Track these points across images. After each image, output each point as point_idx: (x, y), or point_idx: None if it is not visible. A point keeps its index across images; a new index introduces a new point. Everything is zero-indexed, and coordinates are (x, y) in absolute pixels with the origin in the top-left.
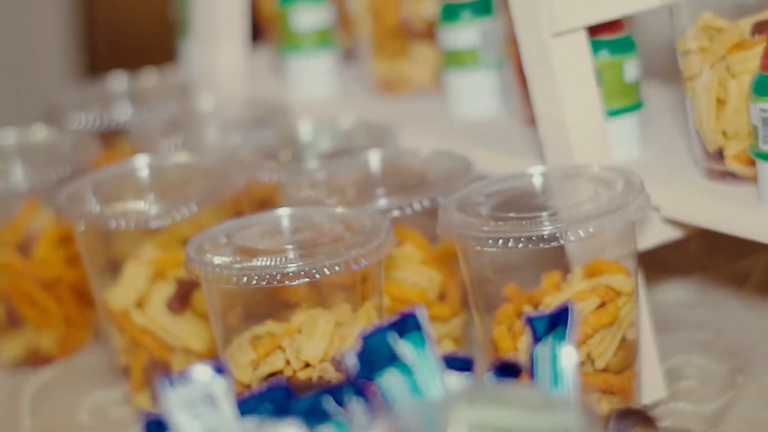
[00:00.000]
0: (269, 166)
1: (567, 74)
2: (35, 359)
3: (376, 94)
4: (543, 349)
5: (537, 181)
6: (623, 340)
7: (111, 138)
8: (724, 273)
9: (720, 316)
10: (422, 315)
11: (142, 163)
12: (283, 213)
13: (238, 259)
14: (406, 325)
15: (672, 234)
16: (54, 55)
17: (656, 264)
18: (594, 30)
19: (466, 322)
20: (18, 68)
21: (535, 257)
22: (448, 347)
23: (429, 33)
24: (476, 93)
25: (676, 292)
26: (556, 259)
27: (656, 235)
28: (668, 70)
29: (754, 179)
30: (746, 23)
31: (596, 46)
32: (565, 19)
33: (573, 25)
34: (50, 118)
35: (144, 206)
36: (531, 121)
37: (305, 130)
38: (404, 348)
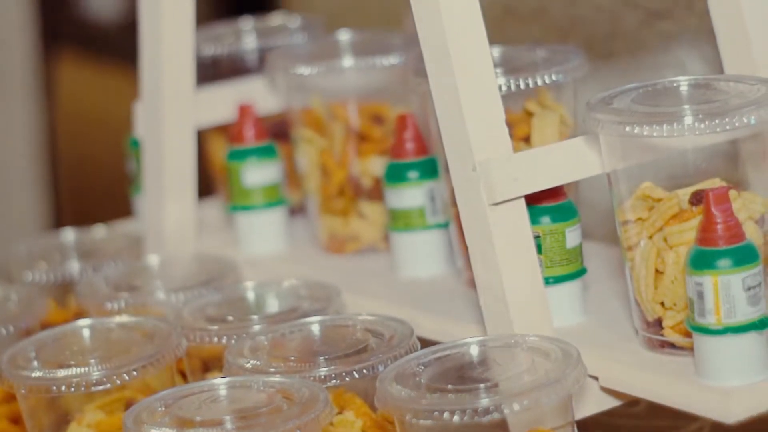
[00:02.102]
0: (213, 329)
1: (506, 243)
2: None
3: (324, 251)
4: None
5: (475, 351)
6: None
7: (61, 293)
8: None
9: None
10: None
11: (85, 324)
12: (222, 382)
13: (175, 430)
14: None
15: (611, 402)
16: (17, 210)
17: (600, 426)
18: (535, 197)
19: None
20: None
21: (474, 426)
22: None
23: (378, 190)
24: (422, 253)
25: None
26: (495, 428)
27: (595, 404)
28: (610, 230)
29: (692, 350)
30: (684, 193)
31: (537, 213)
32: (503, 189)
33: (511, 194)
34: (0, 273)
35: (86, 370)
36: (474, 283)
37: (251, 290)
38: None
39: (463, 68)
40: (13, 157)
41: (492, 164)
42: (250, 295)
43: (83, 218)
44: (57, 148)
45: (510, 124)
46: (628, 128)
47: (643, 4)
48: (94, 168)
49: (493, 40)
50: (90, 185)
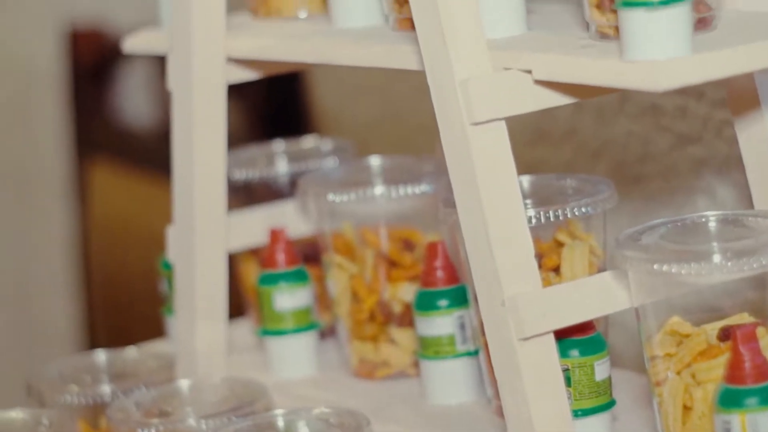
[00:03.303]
0: None
1: (534, 377)
2: None
3: (354, 376)
4: None
5: None
6: None
7: (93, 414)
8: None
9: None
10: None
11: None
12: None
13: None
14: None
15: None
16: (49, 324)
17: None
18: (564, 330)
19: None
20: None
21: None
22: None
23: (408, 316)
24: (452, 381)
25: None
26: None
27: None
28: (640, 354)
29: None
30: (713, 328)
31: (566, 346)
32: (531, 324)
33: (540, 330)
34: (31, 395)
35: None
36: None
37: (281, 417)
38: None
39: (492, 202)
40: (46, 269)
41: (521, 300)
42: (280, 423)
43: (116, 330)
44: (90, 260)
45: (540, 254)
46: (656, 266)
47: (674, 128)
48: (127, 280)
49: (524, 162)
50: (123, 297)
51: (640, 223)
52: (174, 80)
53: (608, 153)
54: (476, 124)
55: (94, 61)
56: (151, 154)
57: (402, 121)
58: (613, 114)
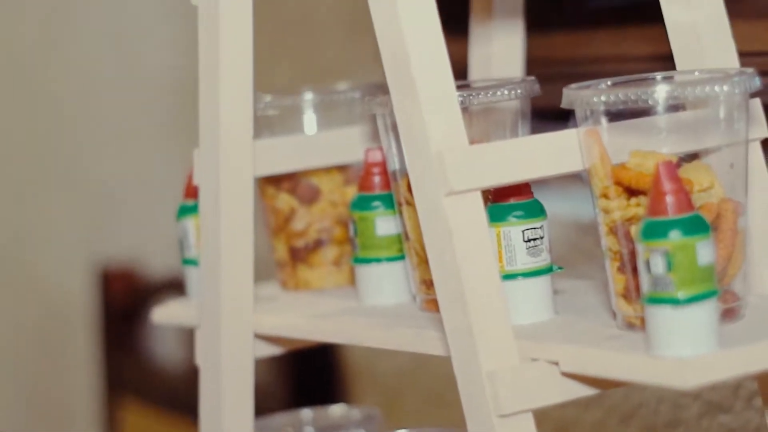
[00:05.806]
0: None
1: None
2: None
3: None
4: None
5: None
6: None
7: None
8: None
9: None
10: None
11: None
12: None
13: None
14: None
15: None
16: None
17: None
18: None
19: None
20: None
21: None
22: None
23: None
24: None
25: None
26: None
27: None
28: None
29: None
30: None
31: None
32: None
33: None
34: None
35: None
36: None
37: None
38: None
39: None
40: None
41: None
42: None
43: None
44: None
45: None
46: None
47: (704, 396)
48: None
49: (553, 422)
50: None
51: None
52: (202, 355)
53: (638, 417)
54: (503, 416)
55: (125, 302)
56: (180, 397)
57: (433, 370)
58: None
